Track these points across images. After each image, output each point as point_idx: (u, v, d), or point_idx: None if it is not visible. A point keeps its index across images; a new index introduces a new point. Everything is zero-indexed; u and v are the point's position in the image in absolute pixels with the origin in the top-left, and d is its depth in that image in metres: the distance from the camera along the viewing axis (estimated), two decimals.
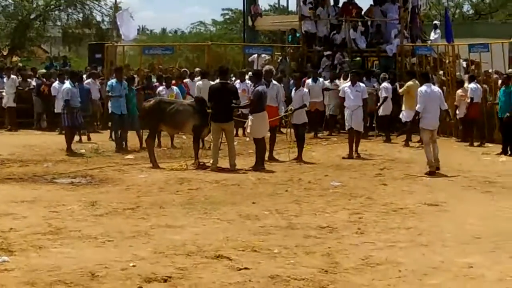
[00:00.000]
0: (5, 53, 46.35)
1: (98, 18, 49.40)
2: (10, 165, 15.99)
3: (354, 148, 17.99)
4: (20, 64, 32.35)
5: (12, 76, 25.34)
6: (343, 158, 17.81)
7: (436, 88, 16.19)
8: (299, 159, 17.26)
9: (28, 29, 46.97)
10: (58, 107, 21.26)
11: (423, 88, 15.62)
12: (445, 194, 12.97)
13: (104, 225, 9.91)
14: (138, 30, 57.35)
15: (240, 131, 21.40)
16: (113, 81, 19.53)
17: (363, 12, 28.58)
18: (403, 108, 20.80)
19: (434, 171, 15.33)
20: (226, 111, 15.68)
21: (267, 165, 16.08)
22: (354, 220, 10.63)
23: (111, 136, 20.33)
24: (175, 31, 64.25)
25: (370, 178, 14.75)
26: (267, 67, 18.47)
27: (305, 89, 18.16)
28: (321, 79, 24.23)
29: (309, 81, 23.32)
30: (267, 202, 11.95)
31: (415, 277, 7.71)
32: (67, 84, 19.23)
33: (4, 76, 25.18)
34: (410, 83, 20.50)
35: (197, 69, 26.22)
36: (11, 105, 24.87)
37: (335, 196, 12.67)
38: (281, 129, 20.63)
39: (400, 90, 21.13)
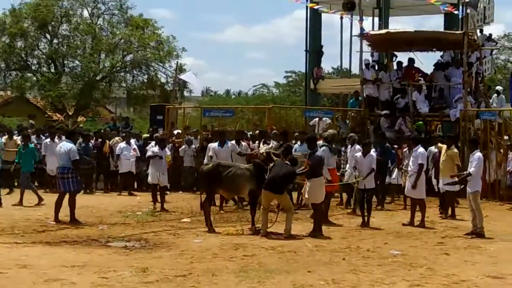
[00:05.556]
0: (70, 113, 47.11)
1: (163, 80, 50.00)
2: (65, 226, 15.91)
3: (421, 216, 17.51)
4: (82, 126, 32.53)
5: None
6: (403, 224, 17.37)
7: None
8: (366, 225, 17.06)
9: (93, 90, 47.74)
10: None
11: (479, 154, 16.03)
12: (511, 266, 12.40)
13: None
14: (202, 91, 57.79)
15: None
16: None
17: (426, 77, 28.36)
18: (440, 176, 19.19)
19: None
20: (279, 183, 15.18)
21: (325, 231, 15.68)
22: None
23: None
24: (239, 93, 64.69)
25: (432, 247, 14.28)
26: (330, 131, 18.52)
27: (374, 154, 17.73)
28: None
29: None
30: (324, 271, 11.56)
31: None
32: (70, 144, 16.74)
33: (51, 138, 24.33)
34: (455, 150, 19.60)
35: (257, 131, 26.07)
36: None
37: (394, 265, 12.22)
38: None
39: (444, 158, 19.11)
